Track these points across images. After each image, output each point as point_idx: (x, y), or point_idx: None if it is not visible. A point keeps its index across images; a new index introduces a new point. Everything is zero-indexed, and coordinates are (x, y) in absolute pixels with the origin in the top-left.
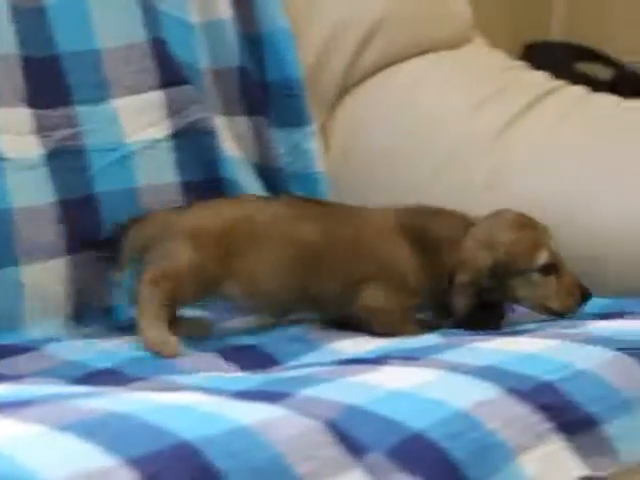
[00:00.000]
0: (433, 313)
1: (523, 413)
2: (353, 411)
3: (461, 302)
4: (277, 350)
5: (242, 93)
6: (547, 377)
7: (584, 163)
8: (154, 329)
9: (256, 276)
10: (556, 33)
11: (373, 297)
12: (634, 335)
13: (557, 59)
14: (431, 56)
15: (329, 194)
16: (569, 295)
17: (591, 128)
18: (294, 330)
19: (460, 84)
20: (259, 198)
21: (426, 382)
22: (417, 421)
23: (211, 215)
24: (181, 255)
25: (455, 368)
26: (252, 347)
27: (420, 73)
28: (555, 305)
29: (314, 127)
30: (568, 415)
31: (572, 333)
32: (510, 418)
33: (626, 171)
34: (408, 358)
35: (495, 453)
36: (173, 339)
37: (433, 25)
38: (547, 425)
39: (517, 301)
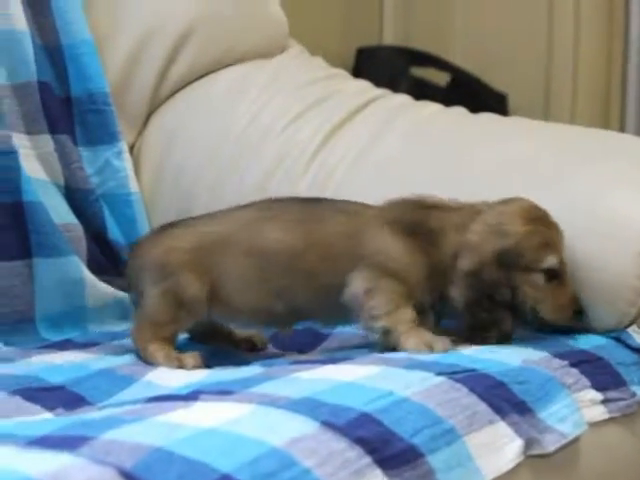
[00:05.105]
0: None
1: (339, 448)
2: (155, 454)
3: (460, 292)
4: (87, 389)
5: (44, 110)
6: (365, 408)
7: (404, 172)
8: (161, 353)
9: (234, 295)
10: (389, 37)
11: (361, 280)
12: (454, 359)
13: (391, 64)
14: (246, 66)
15: (144, 216)
16: (563, 308)
17: (409, 137)
18: (104, 364)
19: (279, 94)
20: (235, 207)
21: (238, 418)
22: (225, 462)
23: (177, 239)
24: (150, 296)
25: (271, 402)
26: (60, 387)
27: (235, 84)
28: (546, 313)
29: (124, 144)
30: (388, 448)
31: (393, 358)
32: (326, 455)
33: (441, 180)
34: (222, 392)
35: None
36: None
37: (245, 34)
38: (365, 460)
39: (511, 304)
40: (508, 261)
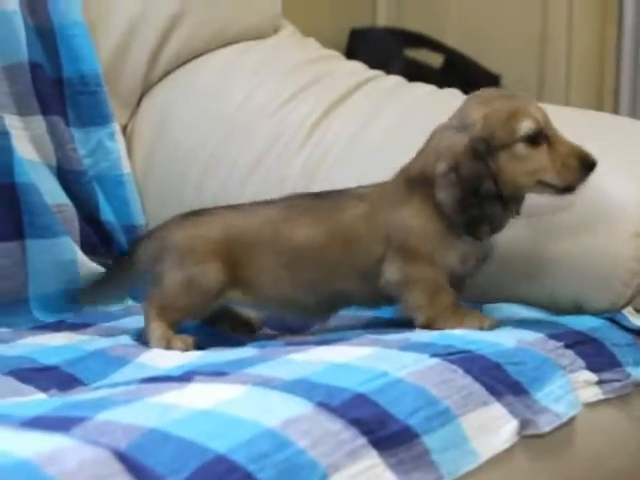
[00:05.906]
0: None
1: (334, 429)
2: (150, 435)
3: (445, 196)
4: (81, 370)
5: (35, 91)
6: (360, 389)
7: (398, 152)
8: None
9: (259, 284)
10: (382, 18)
11: (393, 271)
12: (449, 340)
13: (385, 45)
14: (238, 47)
15: (136, 197)
16: (567, 167)
17: (403, 119)
18: (97, 345)
19: (271, 76)
20: (258, 204)
21: (232, 399)
22: (220, 442)
23: (204, 227)
24: (170, 279)
25: (265, 383)
26: (54, 368)
27: (228, 65)
28: (552, 178)
29: (117, 126)
30: (383, 429)
31: (388, 339)
32: (321, 435)
33: None
34: (216, 373)
35: (305, 474)
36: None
37: (238, 15)
38: (360, 441)
39: (511, 185)
40: (482, 149)
